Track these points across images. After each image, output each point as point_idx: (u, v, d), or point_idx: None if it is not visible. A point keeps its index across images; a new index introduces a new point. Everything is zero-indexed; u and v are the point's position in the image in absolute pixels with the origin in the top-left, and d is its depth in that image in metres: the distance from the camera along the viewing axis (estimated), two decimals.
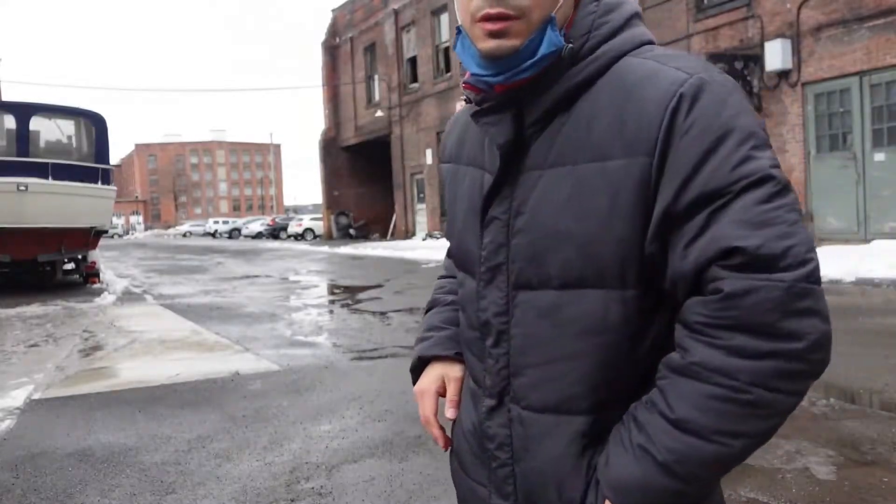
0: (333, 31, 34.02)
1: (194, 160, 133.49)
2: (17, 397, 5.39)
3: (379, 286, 12.83)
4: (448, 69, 25.72)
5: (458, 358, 1.17)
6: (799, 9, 13.24)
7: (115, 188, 14.70)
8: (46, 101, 14.27)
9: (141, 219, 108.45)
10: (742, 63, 13.78)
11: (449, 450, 1.20)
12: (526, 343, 0.99)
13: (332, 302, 11.38)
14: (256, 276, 16.23)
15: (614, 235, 0.90)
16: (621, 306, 0.92)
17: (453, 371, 1.17)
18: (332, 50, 33.91)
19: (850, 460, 3.41)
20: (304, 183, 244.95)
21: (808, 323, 0.82)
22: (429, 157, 26.73)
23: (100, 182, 13.75)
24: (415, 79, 27.97)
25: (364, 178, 33.04)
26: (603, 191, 0.90)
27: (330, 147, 33.62)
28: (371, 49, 31.10)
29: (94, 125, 13.99)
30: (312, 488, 3.43)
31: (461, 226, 1.09)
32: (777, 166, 0.86)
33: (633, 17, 0.97)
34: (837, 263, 10.49)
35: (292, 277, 15.71)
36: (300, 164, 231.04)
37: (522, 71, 0.93)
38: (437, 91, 26.17)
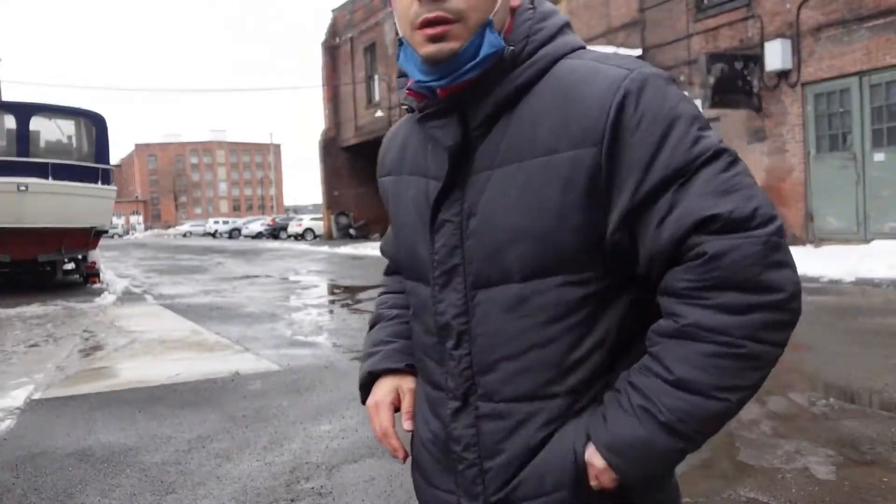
0: (333, 31, 34.02)
1: (194, 160, 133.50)
2: (18, 397, 5.39)
3: (379, 286, 12.81)
4: None
5: (409, 370, 1.18)
6: (799, 9, 13.24)
7: (115, 188, 14.69)
8: (46, 101, 14.27)
9: (141, 219, 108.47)
10: (742, 63, 13.77)
11: (409, 463, 1.21)
12: (494, 340, 1.00)
13: (332, 302, 11.38)
14: (256, 276, 16.23)
15: (570, 224, 0.94)
16: (584, 288, 0.97)
17: (406, 383, 1.18)
18: (332, 50, 33.91)
19: (850, 460, 3.41)
20: (304, 183, 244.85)
21: (784, 274, 0.89)
22: None
23: (100, 182, 13.76)
24: None
25: (364, 178, 33.02)
26: (553, 183, 0.94)
27: (330, 147, 33.62)
28: (371, 49, 31.10)
29: (94, 125, 13.99)
30: (312, 488, 3.44)
31: (409, 235, 1.10)
32: (721, 141, 0.94)
33: (566, 26, 1.03)
34: (837, 263, 10.49)
35: (292, 277, 15.71)
36: (300, 164, 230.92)
37: (464, 73, 0.96)
38: None
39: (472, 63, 0.95)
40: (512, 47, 0.97)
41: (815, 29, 13.09)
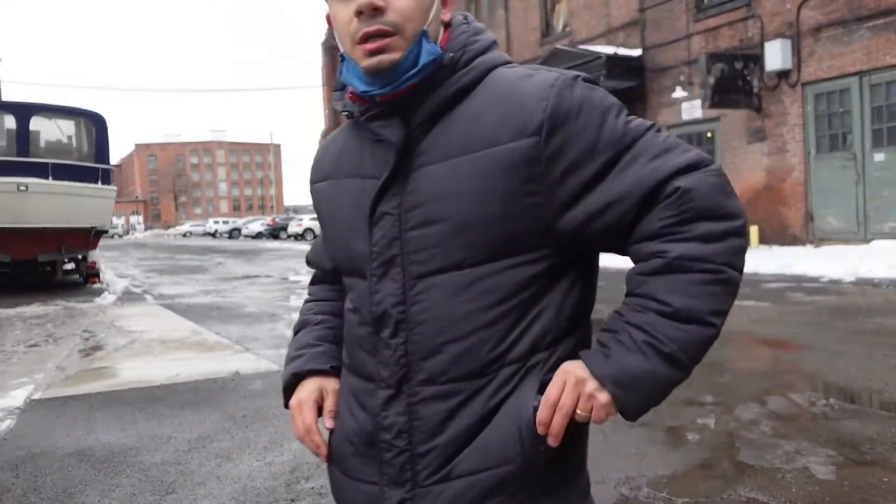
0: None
1: (194, 160, 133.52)
2: (18, 397, 5.39)
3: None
4: None
5: (333, 372, 1.22)
6: (799, 9, 13.24)
7: (115, 188, 14.69)
8: (46, 101, 14.29)
9: (141, 219, 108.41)
10: (742, 63, 13.77)
11: (327, 464, 1.23)
12: (440, 325, 1.04)
13: None
14: (256, 276, 16.23)
15: (515, 209, 1.01)
16: (534, 267, 1.04)
17: (330, 384, 1.22)
18: (332, 50, 33.91)
19: (850, 460, 3.41)
20: (304, 183, 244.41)
21: (737, 203, 1.02)
22: None
23: (100, 182, 13.74)
24: None
25: None
26: (496, 173, 1.01)
27: None
28: None
29: (94, 125, 13.98)
30: (312, 488, 3.44)
31: (346, 234, 1.15)
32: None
33: (494, 44, 1.12)
34: (837, 263, 10.49)
35: (292, 277, 15.70)
36: (300, 164, 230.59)
37: (406, 80, 1.03)
38: None
39: (413, 71, 1.02)
40: (452, 53, 1.05)
41: (815, 29, 13.09)
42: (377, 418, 1.09)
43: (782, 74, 13.62)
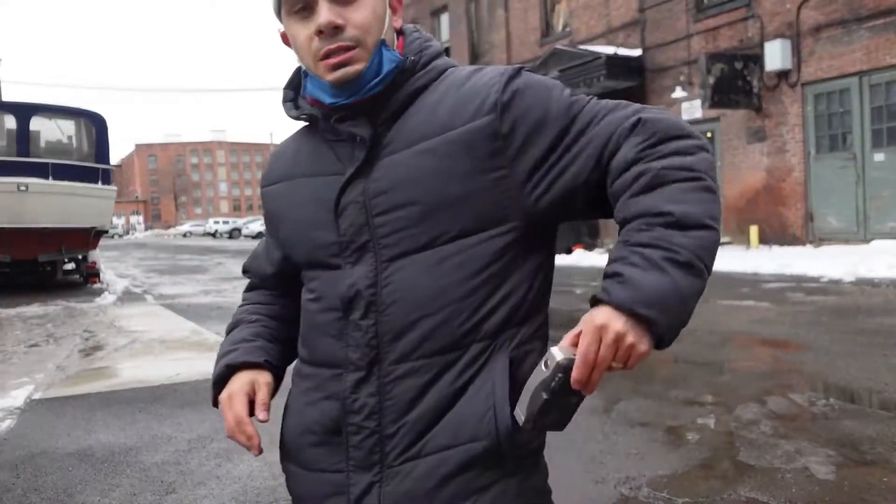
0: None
1: (194, 160, 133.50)
2: (18, 397, 5.39)
3: None
4: None
5: (266, 366, 1.22)
6: (799, 9, 13.24)
7: (115, 188, 14.70)
8: (46, 101, 14.30)
9: (141, 219, 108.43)
10: (742, 63, 13.78)
11: (280, 460, 1.23)
12: (413, 303, 1.07)
13: None
14: None
15: (480, 184, 1.05)
16: (504, 238, 1.07)
17: (263, 377, 1.21)
18: None
19: (850, 460, 3.41)
20: None
21: (695, 130, 1.08)
22: None
23: (100, 182, 13.75)
24: None
25: None
26: (458, 152, 1.06)
27: None
28: None
29: (94, 125, 13.99)
30: None
31: (305, 230, 1.17)
32: None
33: (443, 51, 1.20)
34: (837, 263, 10.49)
35: None
36: None
37: (371, 89, 1.09)
38: None
39: (377, 80, 1.08)
40: (412, 57, 1.12)
41: (814, 29, 13.09)
42: (345, 402, 1.10)
43: (782, 74, 13.62)
